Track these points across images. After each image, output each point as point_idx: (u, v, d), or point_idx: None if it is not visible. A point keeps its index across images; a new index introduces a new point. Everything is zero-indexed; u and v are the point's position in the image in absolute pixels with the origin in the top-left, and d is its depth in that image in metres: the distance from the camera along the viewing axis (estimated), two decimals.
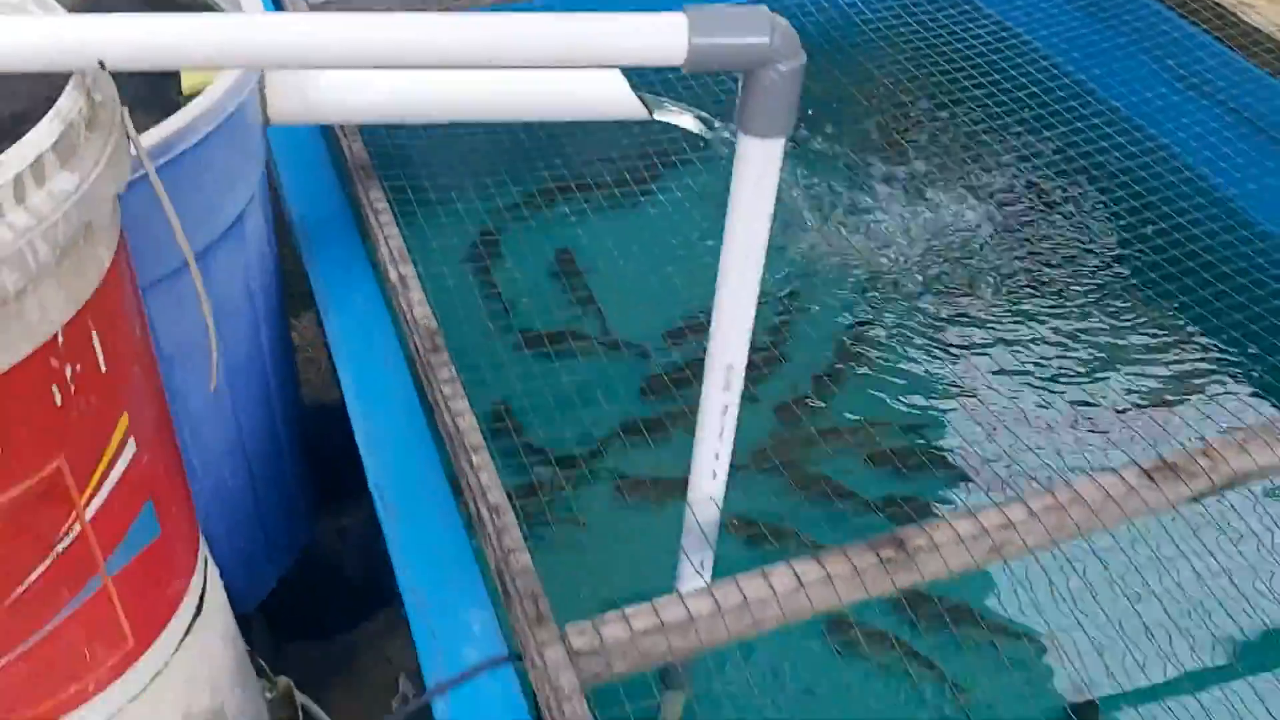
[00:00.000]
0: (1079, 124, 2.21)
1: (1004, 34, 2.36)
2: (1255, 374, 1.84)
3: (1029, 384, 1.85)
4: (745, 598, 1.04)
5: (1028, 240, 2.10)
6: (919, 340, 1.92)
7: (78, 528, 0.87)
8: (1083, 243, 2.09)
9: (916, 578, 1.09)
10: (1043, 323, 1.95)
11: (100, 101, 0.80)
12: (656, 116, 1.62)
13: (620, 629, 1.01)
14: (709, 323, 1.00)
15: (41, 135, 0.72)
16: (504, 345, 1.82)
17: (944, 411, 1.81)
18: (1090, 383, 1.85)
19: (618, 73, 1.47)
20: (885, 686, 1.46)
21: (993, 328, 1.94)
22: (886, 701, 1.45)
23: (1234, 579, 1.48)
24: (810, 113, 2.27)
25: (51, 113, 0.73)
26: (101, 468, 0.87)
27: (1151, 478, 1.18)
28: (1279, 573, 1.52)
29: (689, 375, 1.72)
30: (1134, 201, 2.07)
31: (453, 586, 1.19)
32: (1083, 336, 1.93)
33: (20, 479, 0.80)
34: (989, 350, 1.90)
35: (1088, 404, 1.81)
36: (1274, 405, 1.77)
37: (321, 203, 1.69)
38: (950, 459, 1.74)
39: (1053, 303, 1.99)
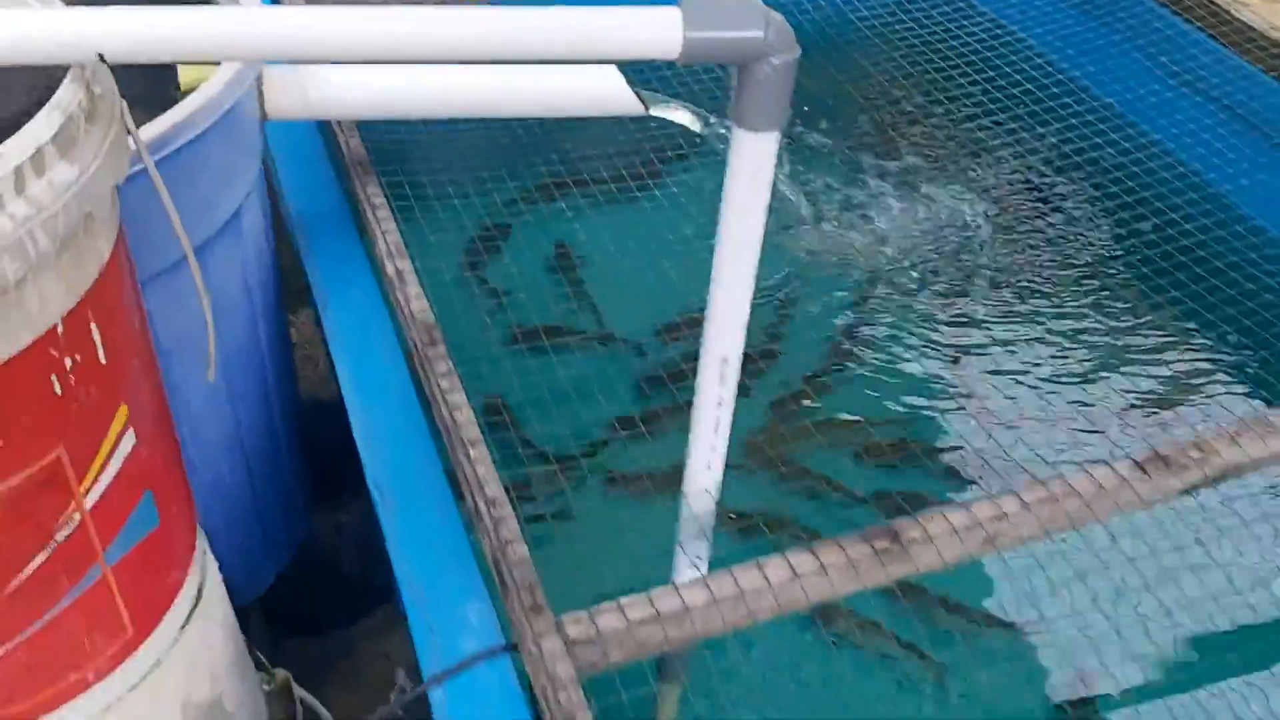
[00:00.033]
0: (1073, 120, 2.22)
1: (999, 31, 2.37)
2: (1248, 368, 1.85)
3: (1023, 379, 1.86)
4: (740, 588, 1.05)
5: (1021, 235, 2.11)
6: (913, 336, 1.93)
7: (77, 517, 0.87)
8: (1076, 238, 2.10)
9: (910, 569, 1.10)
10: (1036, 318, 1.96)
11: (99, 94, 0.80)
12: (653, 112, 1.63)
13: (616, 619, 1.02)
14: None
15: (41, 127, 0.73)
16: (501, 340, 1.83)
17: (938, 407, 1.82)
18: (1083, 377, 1.86)
19: (614, 69, 1.48)
20: (877, 677, 1.47)
21: (987, 322, 1.95)
22: (879, 692, 1.46)
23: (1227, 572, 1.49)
24: (806, 109, 2.28)
25: (51, 104, 0.74)
26: (101, 458, 0.87)
27: (1144, 470, 1.19)
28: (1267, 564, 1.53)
29: (685, 370, 1.73)
30: (1127, 197, 2.08)
31: (450, 578, 1.20)
32: (1076, 331, 1.94)
33: (20, 468, 0.81)
34: (982, 344, 1.91)
35: (1081, 398, 1.82)
36: (1266, 398, 1.78)
37: (319, 198, 1.70)
38: (945, 454, 1.75)
39: (1046, 298, 2.00)
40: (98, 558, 0.92)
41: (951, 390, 1.84)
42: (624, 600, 1.03)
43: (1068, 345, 1.92)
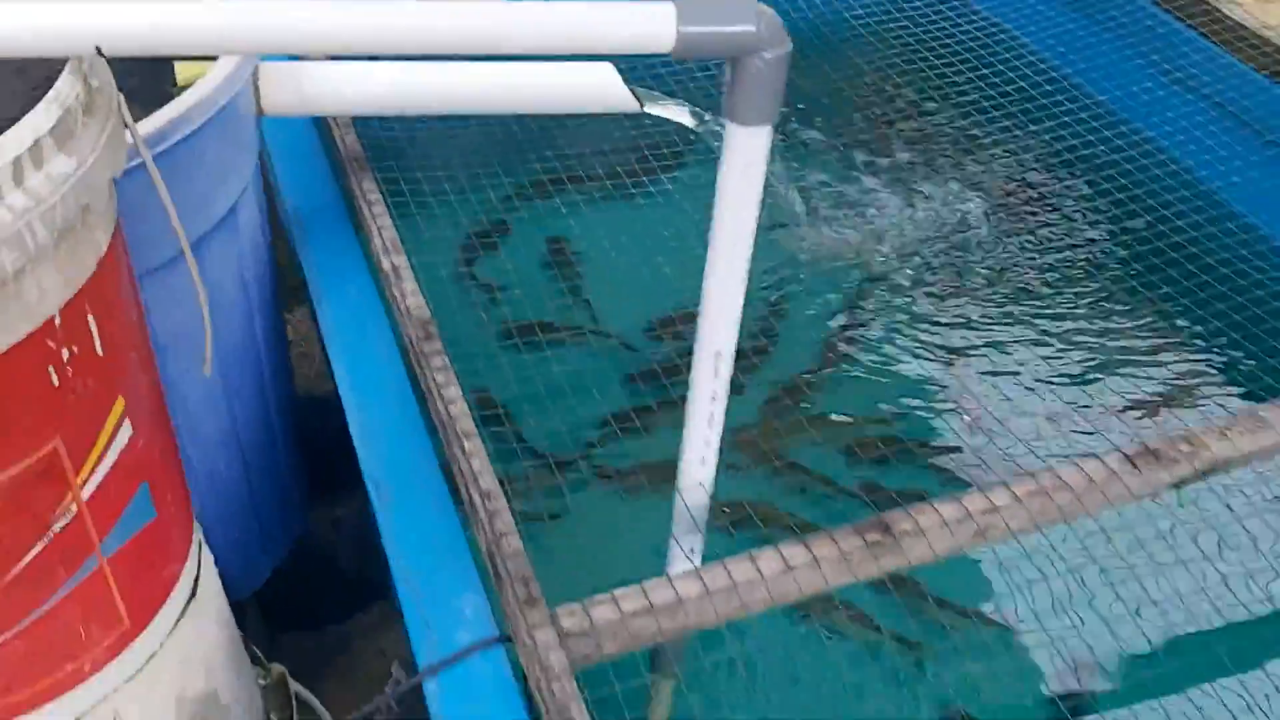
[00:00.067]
0: (1066, 118, 2.23)
1: (993, 29, 2.38)
2: (1239, 365, 1.86)
3: (1016, 376, 1.87)
4: (733, 580, 1.05)
5: (1014, 233, 2.12)
6: (907, 334, 1.94)
7: (74, 508, 0.88)
8: (1069, 235, 2.11)
9: (902, 561, 1.11)
10: (1030, 315, 1.97)
11: (97, 87, 0.81)
12: (648, 109, 1.63)
13: (610, 610, 1.02)
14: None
15: (39, 119, 0.73)
16: (496, 336, 1.84)
17: (931, 405, 1.83)
18: (1075, 373, 1.87)
19: (609, 65, 1.49)
20: (869, 668, 1.48)
21: (980, 319, 1.96)
22: (872, 683, 1.47)
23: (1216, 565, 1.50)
24: (801, 107, 2.29)
25: (49, 96, 0.74)
26: (98, 449, 0.88)
27: (1134, 463, 1.20)
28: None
29: (680, 365, 1.74)
30: (1119, 194, 2.09)
31: (445, 571, 1.21)
32: (1069, 328, 1.95)
33: (18, 459, 0.82)
34: (976, 342, 1.92)
35: (1074, 395, 1.83)
36: (1259, 395, 1.79)
37: (315, 194, 1.71)
38: (937, 451, 1.76)
39: (1040, 295, 2.01)
40: (94, 549, 0.93)
41: (944, 387, 1.85)
42: (618, 592, 1.04)
43: (1060, 342, 1.93)
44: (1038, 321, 1.96)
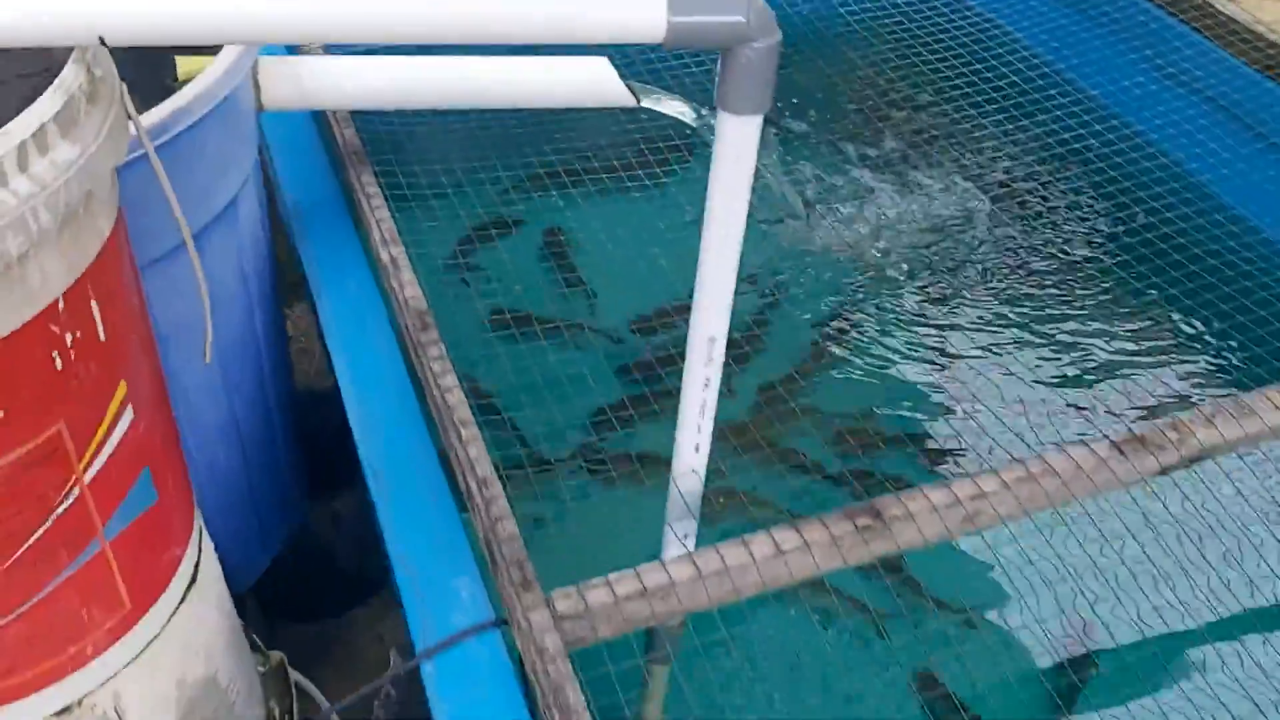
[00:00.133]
0: (1059, 113, 2.25)
1: (986, 24, 2.40)
2: (1228, 355, 1.88)
3: (1010, 369, 1.88)
4: (725, 564, 1.07)
5: (1006, 224, 2.14)
6: (900, 326, 1.96)
7: (77, 491, 0.89)
8: (1060, 229, 2.13)
9: (892, 546, 1.13)
10: (1022, 308, 1.99)
11: (100, 77, 0.83)
12: (644, 104, 1.65)
13: (604, 594, 1.04)
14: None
15: (44, 106, 0.75)
16: (493, 327, 1.85)
17: (924, 396, 1.85)
18: (1067, 365, 1.88)
19: (605, 60, 1.50)
20: (863, 653, 1.50)
21: (974, 313, 1.98)
22: (864, 669, 1.49)
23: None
24: (795, 102, 2.30)
25: (54, 84, 0.76)
26: (100, 433, 0.89)
27: (1121, 450, 1.21)
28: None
29: (675, 356, 1.75)
30: (1110, 187, 2.11)
31: (442, 557, 1.22)
32: (1063, 321, 1.96)
33: (22, 442, 0.83)
34: (970, 334, 1.94)
35: (1066, 386, 1.85)
36: (1244, 384, 1.81)
37: (314, 189, 1.72)
38: (929, 441, 1.78)
39: (1032, 289, 2.02)
40: (97, 532, 0.94)
41: (937, 379, 1.86)
42: (612, 576, 1.05)
43: (1054, 336, 1.95)
44: (1032, 313, 1.98)
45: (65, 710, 1.00)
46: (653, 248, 1.97)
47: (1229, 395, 1.61)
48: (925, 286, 2.04)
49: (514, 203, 2.13)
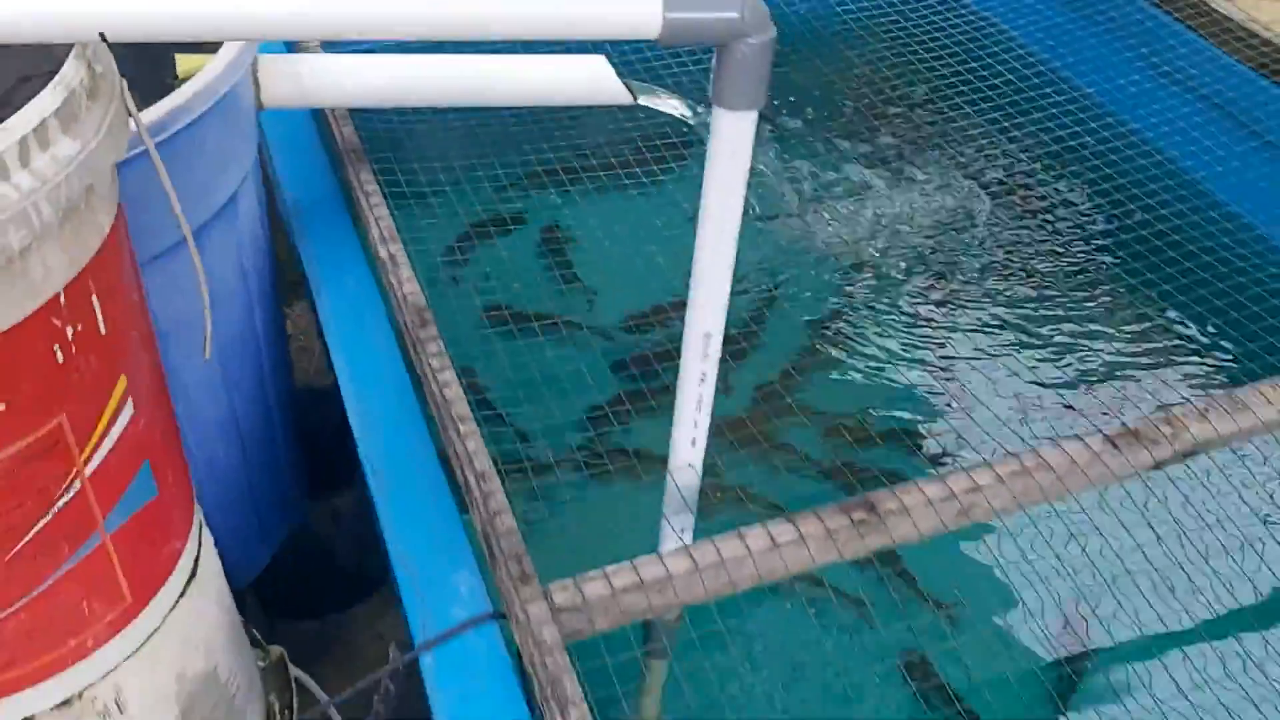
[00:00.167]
0: (1054, 110, 2.26)
1: (981, 23, 2.41)
2: (1223, 351, 1.89)
3: (1006, 365, 1.89)
4: (721, 557, 1.08)
5: (1003, 224, 2.15)
6: (895, 322, 1.97)
7: (78, 484, 0.90)
8: (1057, 227, 2.14)
9: (887, 540, 1.14)
10: (1018, 305, 2.00)
11: (100, 73, 0.83)
12: (641, 102, 1.65)
13: (601, 586, 1.05)
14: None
15: (45, 101, 0.76)
16: (491, 324, 1.86)
17: (920, 393, 1.86)
18: (1064, 363, 1.89)
19: (603, 58, 1.51)
20: (857, 644, 1.51)
21: (970, 309, 1.99)
22: (859, 661, 1.49)
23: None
24: (793, 100, 2.31)
25: (55, 80, 0.77)
26: (101, 426, 0.90)
27: (1115, 444, 1.22)
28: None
29: (671, 351, 1.76)
30: (1106, 185, 2.12)
31: (440, 552, 1.23)
32: (1057, 318, 1.97)
33: (24, 434, 0.84)
34: (967, 331, 1.95)
35: (1062, 383, 1.86)
36: (1239, 380, 1.81)
37: (314, 186, 1.73)
38: (925, 438, 1.79)
39: (1028, 286, 2.03)
40: (97, 525, 0.95)
41: (932, 375, 1.87)
42: (609, 568, 1.06)
43: (1049, 332, 1.95)
44: (1028, 311, 1.99)
45: (65, 703, 1.01)
46: (650, 245, 1.98)
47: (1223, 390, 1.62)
48: (921, 283, 2.04)
49: (512, 200, 2.13)
